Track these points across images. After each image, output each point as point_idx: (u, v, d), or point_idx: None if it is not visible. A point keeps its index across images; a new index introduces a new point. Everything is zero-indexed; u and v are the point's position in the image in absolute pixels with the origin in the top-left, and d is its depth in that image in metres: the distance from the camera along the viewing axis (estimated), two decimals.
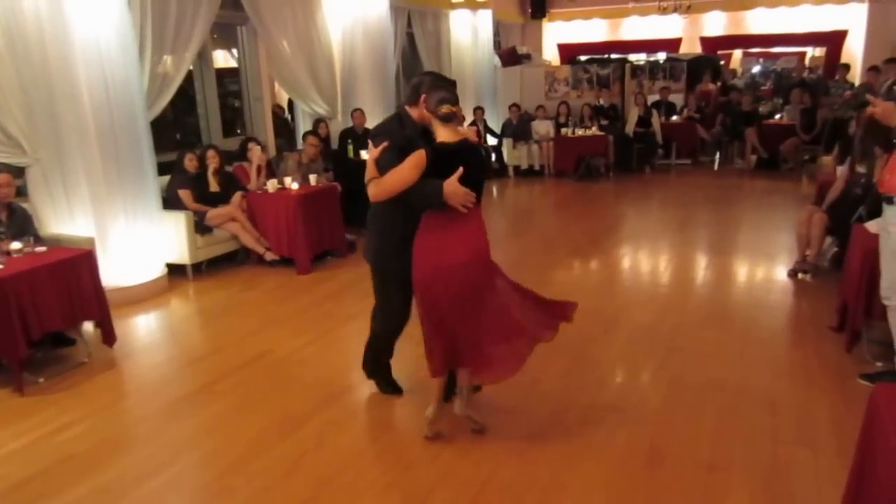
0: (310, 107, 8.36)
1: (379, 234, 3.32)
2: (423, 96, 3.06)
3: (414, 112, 3.16)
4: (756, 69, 16.22)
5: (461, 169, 2.89)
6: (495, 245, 6.50)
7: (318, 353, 4.44)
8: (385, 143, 3.03)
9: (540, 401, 3.68)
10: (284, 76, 8.07)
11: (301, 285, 5.83)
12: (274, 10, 7.60)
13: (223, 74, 8.49)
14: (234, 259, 6.44)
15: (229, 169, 6.62)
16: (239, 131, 8.24)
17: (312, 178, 6.43)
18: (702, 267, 6.21)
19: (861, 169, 5.28)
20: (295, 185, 6.28)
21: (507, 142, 11.33)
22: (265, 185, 6.31)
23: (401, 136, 3.09)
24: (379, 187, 2.99)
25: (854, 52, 12.61)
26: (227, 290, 5.78)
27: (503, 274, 3.28)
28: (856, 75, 11.85)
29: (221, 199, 6.31)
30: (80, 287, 4.21)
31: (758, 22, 13.76)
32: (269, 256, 6.20)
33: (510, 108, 11.37)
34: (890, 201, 3.40)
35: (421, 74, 3.34)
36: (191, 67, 6.98)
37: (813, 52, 14.92)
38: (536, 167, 11.24)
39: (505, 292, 3.21)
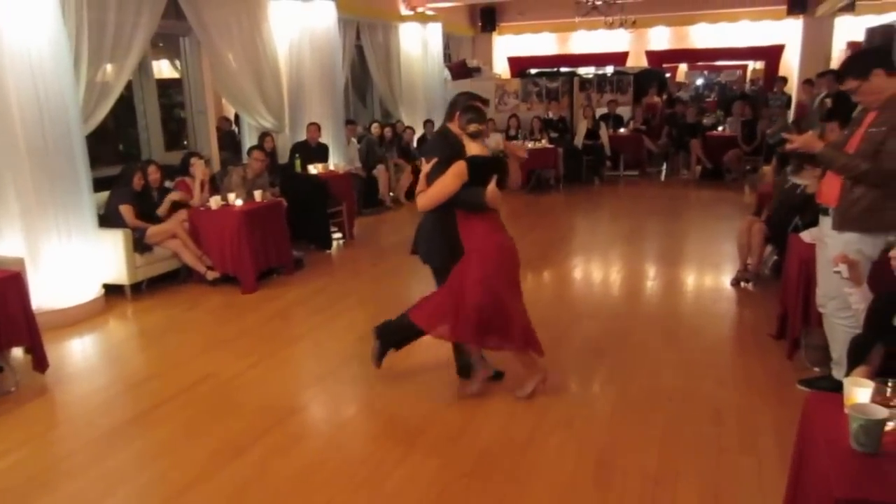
0: (256, 120, 8.21)
1: (446, 238, 3.66)
2: (457, 113, 3.56)
3: (454, 127, 3.63)
4: (700, 82, 16.66)
5: (495, 177, 3.38)
6: None
7: (263, 375, 4.31)
8: (434, 160, 3.50)
9: (489, 416, 3.63)
10: (229, 88, 7.91)
11: (245, 305, 5.68)
12: (218, 20, 7.46)
13: (167, 85, 8.30)
14: (176, 278, 6.23)
15: (170, 185, 6.43)
16: (186, 143, 8.06)
17: (257, 194, 6.30)
18: (650, 277, 6.28)
19: (797, 181, 5.41)
20: (239, 201, 6.13)
21: None
22: (208, 200, 6.15)
23: (448, 150, 3.50)
24: (426, 197, 3.51)
25: (791, 65, 13.06)
26: (168, 311, 5.60)
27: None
28: (793, 87, 12.26)
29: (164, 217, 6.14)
30: (6, 311, 3.99)
31: (700, 37, 14.14)
32: (212, 275, 6.03)
33: None
34: (825, 212, 3.47)
35: (457, 94, 3.83)
36: (131, 79, 6.79)
37: (754, 66, 15.38)
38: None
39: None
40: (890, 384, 1.86)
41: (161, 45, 8.08)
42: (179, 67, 8.11)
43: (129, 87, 7.03)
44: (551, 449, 3.29)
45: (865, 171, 3.19)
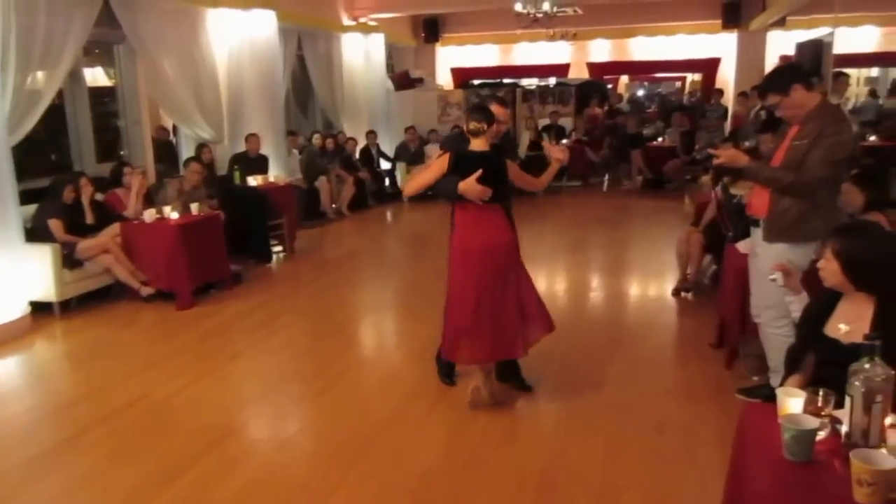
0: (194, 131, 8.00)
1: None
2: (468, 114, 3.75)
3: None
4: (641, 93, 17.04)
5: (480, 171, 3.48)
6: (389, 275, 6.44)
7: (199, 395, 4.15)
8: (440, 153, 3.72)
9: (431, 435, 3.58)
10: (165, 98, 7.70)
11: (181, 321, 5.48)
12: (154, 29, 7.25)
13: (101, 94, 8.03)
14: (108, 294, 5.98)
15: (100, 197, 6.19)
16: (123, 153, 7.79)
17: (194, 207, 6.11)
18: (593, 288, 6.34)
19: (733, 191, 5.53)
20: (175, 214, 5.94)
21: (400, 166, 11.28)
22: (142, 214, 5.94)
23: (455, 146, 3.72)
24: (408, 183, 3.78)
25: (727, 77, 13.45)
26: (99, 329, 5.37)
27: (520, 273, 3.77)
28: (729, 99, 12.63)
29: (97, 230, 5.90)
30: None
31: (639, 49, 14.45)
32: (146, 291, 5.82)
33: (406, 130, 11.34)
34: (756, 224, 3.54)
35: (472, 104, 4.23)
36: (62, 87, 6.54)
37: (692, 78, 15.82)
38: (430, 192, 11.20)
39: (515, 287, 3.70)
40: (821, 393, 1.88)
41: (97, 51, 7.82)
42: (114, 76, 7.85)
43: (60, 95, 6.78)
44: (494, 467, 3.25)
45: (790, 183, 3.27)
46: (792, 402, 1.89)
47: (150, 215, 5.88)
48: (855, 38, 12.37)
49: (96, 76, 8.23)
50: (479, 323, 3.63)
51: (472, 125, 3.59)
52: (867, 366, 1.64)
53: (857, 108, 12.57)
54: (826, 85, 7.04)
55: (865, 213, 3.73)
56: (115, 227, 5.97)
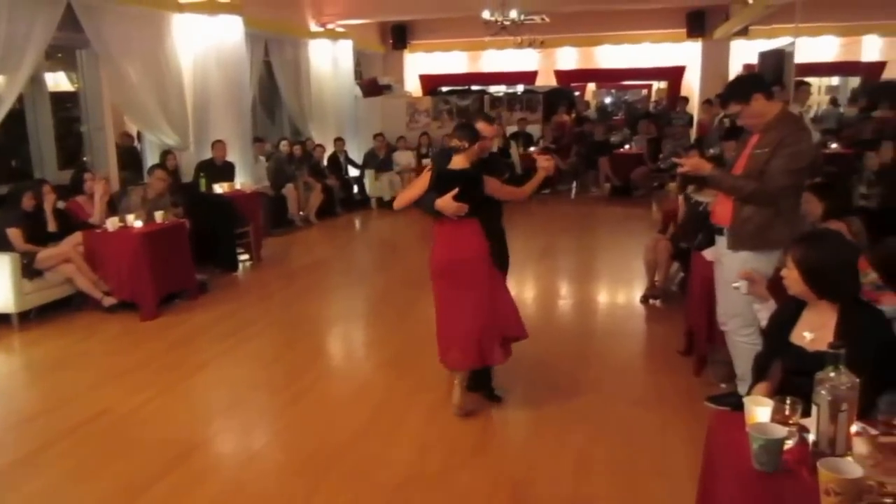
0: (158, 137, 7.87)
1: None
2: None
3: None
4: (608, 100, 17.22)
5: (456, 189, 3.60)
6: (358, 283, 6.38)
7: (164, 408, 4.05)
8: (430, 166, 3.84)
9: (402, 447, 3.54)
10: (129, 104, 7.57)
11: (145, 332, 5.37)
12: (118, 33, 7.12)
13: (63, 99, 7.86)
14: (69, 305, 5.83)
15: (62, 205, 6.05)
16: (86, 159, 7.62)
17: (158, 215, 5.99)
18: (563, 296, 6.36)
19: (699, 198, 5.60)
20: (138, 223, 5.82)
21: (369, 173, 11.23)
22: (105, 222, 5.82)
23: (441, 162, 3.78)
24: (398, 198, 3.92)
25: (692, 85, 13.66)
26: (60, 341, 5.22)
27: (494, 284, 3.84)
28: (694, 107, 12.81)
29: (59, 238, 5.76)
30: None
31: (606, 57, 14.60)
32: (108, 301, 5.68)
33: (375, 137, 11.30)
34: (720, 232, 3.58)
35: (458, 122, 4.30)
36: (23, 92, 6.39)
37: (658, 85, 16.03)
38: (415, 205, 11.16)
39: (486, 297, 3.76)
40: (788, 402, 1.89)
41: (59, 55, 7.65)
42: (76, 80, 7.69)
43: (20, 100, 6.62)
44: (465, 480, 3.22)
45: (752, 192, 3.31)
46: (759, 410, 1.90)
47: (113, 224, 5.76)
48: (815, 47, 12.67)
49: (58, 81, 8.06)
50: (456, 331, 3.74)
51: (453, 143, 3.69)
52: (832, 374, 1.66)
53: (819, 116, 12.87)
54: (788, 94, 7.17)
55: (825, 221, 3.78)
56: (76, 236, 5.83)
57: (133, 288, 5.63)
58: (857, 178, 6.56)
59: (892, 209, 5.60)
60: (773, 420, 1.89)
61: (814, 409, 1.70)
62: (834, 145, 10.32)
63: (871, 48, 13.72)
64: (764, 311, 2.83)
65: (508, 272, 4.15)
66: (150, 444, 3.60)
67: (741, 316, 3.43)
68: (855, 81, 14.62)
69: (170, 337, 5.25)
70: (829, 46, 13.46)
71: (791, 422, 1.88)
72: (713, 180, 3.48)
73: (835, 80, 15.44)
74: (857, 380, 1.67)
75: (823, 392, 1.66)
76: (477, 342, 3.70)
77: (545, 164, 3.93)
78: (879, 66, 13.56)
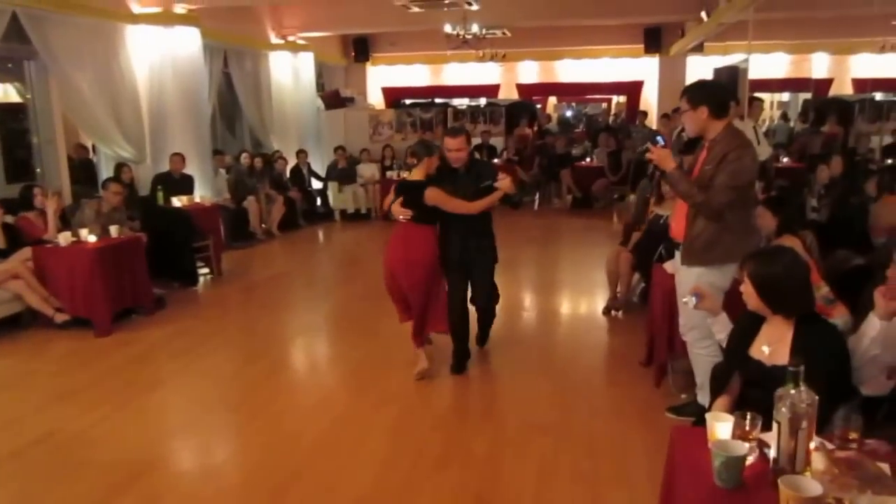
0: (114, 150, 7.70)
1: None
2: None
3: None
4: (569, 113, 17.43)
5: (400, 197, 4.27)
6: (319, 297, 6.30)
7: (116, 428, 3.92)
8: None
9: (364, 462, 3.48)
10: (82, 116, 7.40)
11: (99, 350, 5.20)
12: (68, 44, 6.97)
13: (12, 110, 7.64)
14: (18, 323, 5.63)
15: (10, 220, 5.85)
16: (39, 170, 7.39)
17: (113, 230, 5.83)
18: (525, 308, 6.36)
19: (659, 211, 5.68)
20: (92, 237, 5.66)
21: (332, 185, 11.15)
22: (57, 237, 5.64)
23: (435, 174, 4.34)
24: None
25: (650, 100, 13.92)
26: (7, 360, 5.03)
27: (432, 284, 4.41)
28: (653, 121, 13.04)
29: (6, 255, 5.59)
30: None
31: (566, 71, 14.79)
32: (60, 318, 5.50)
33: (336, 150, 11.23)
34: (678, 247, 3.61)
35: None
36: None
37: (618, 99, 16.29)
38: (363, 210, 11.15)
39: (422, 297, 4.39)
40: (748, 417, 1.90)
41: (10, 66, 7.44)
42: (24, 92, 7.48)
43: None
44: (429, 493, 3.18)
45: (699, 203, 3.35)
46: (721, 427, 1.90)
47: (65, 238, 5.59)
48: (767, 64, 13.02)
49: (7, 92, 7.84)
50: (406, 309, 4.48)
51: (408, 159, 4.25)
52: (792, 391, 1.67)
53: (771, 130, 13.22)
54: (742, 108, 7.33)
55: (779, 235, 3.83)
56: (25, 251, 5.66)
57: (87, 304, 5.47)
58: (807, 192, 6.73)
59: (840, 222, 5.74)
60: (733, 435, 1.89)
61: (774, 426, 1.70)
62: (785, 159, 10.60)
63: (819, 65, 14.17)
64: (717, 325, 2.87)
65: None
66: (100, 466, 3.48)
67: (698, 328, 3.47)
68: (804, 97, 15.06)
69: (124, 354, 5.10)
70: (780, 63, 13.86)
71: (751, 437, 1.89)
72: (672, 178, 3.47)
73: (785, 96, 15.90)
74: (817, 397, 1.68)
75: (784, 409, 1.67)
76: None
77: (502, 183, 4.19)
78: (827, 82, 14.02)
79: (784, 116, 15.04)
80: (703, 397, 3.67)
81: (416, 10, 9.79)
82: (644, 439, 3.65)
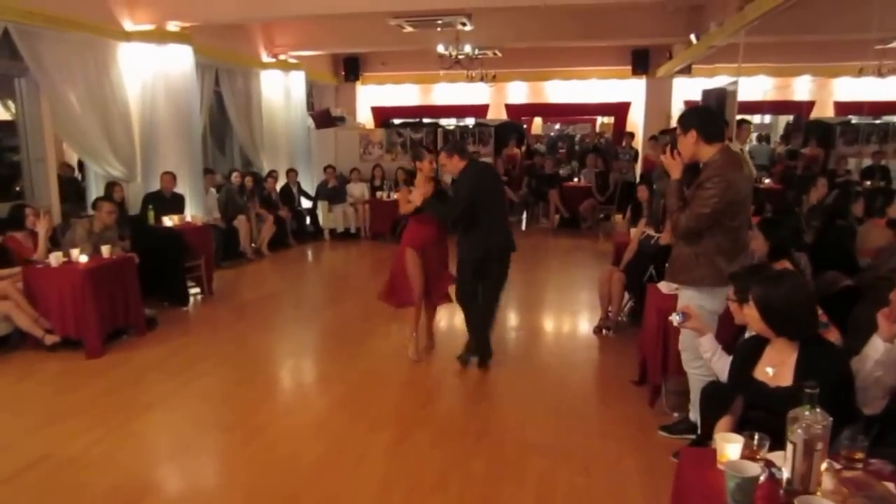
0: (104, 168, 7.66)
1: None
2: None
3: None
4: (554, 134, 17.58)
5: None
6: (311, 317, 6.30)
7: (110, 452, 3.86)
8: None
9: (361, 485, 3.46)
10: (72, 134, 7.36)
11: (90, 371, 5.13)
12: (60, 61, 6.94)
13: None
14: (7, 344, 5.53)
15: None
16: (19, 189, 7.32)
17: (105, 249, 5.78)
18: (515, 327, 6.37)
19: (651, 231, 5.74)
20: (84, 257, 5.61)
21: (322, 204, 11.15)
22: (47, 256, 5.59)
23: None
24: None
25: (637, 121, 14.07)
26: None
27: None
28: (639, 142, 13.19)
29: None
30: None
31: (555, 92, 14.93)
32: (50, 339, 5.42)
33: (325, 169, 11.25)
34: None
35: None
36: None
37: (602, 120, 16.45)
38: (353, 230, 11.15)
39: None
40: (756, 438, 1.92)
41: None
42: (13, 109, 7.43)
43: None
44: None
45: (674, 221, 3.44)
46: (731, 447, 1.92)
47: (56, 258, 5.52)
48: (750, 86, 13.22)
49: None
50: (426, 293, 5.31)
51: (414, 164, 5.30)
52: (807, 413, 1.69)
53: (752, 153, 13.40)
54: (730, 131, 7.44)
55: (773, 260, 3.78)
56: (14, 271, 5.60)
57: (77, 325, 5.39)
58: (797, 213, 6.83)
59: (827, 244, 5.81)
60: (741, 456, 1.91)
61: (789, 447, 1.72)
62: (767, 181, 10.77)
63: (801, 88, 14.44)
64: (704, 345, 2.90)
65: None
66: (95, 492, 3.43)
67: (690, 350, 3.51)
68: (784, 119, 15.31)
69: (116, 375, 5.05)
70: (763, 86, 14.09)
71: (759, 457, 1.91)
72: (669, 187, 3.53)
73: (767, 119, 16.14)
74: (831, 419, 1.71)
75: (799, 431, 1.69)
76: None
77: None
78: (810, 105, 14.28)
79: (759, 139, 15.23)
80: (694, 414, 3.71)
81: (409, 29, 9.86)
82: (639, 459, 3.67)
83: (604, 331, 5.89)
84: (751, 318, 2.39)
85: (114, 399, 4.63)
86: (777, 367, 2.32)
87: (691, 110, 3.79)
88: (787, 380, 2.29)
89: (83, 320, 5.38)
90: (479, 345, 5.12)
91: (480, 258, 4.97)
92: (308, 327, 6.53)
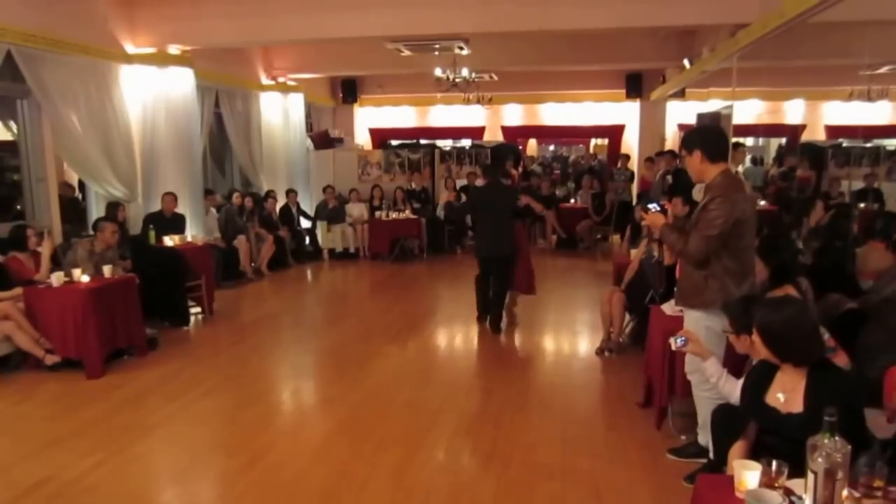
0: (105, 189, 7.66)
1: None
2: None
3: None
4: (549, 155, 17.69)
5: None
6: (312, 337, 6.26)
7: (113, 475, 3.83)
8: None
9: None
10: (73, 155, 7.37)
11: (91, 392, 5.11)
12: (62, 83, 6.98)
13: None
14: (7, 364, 5.51)
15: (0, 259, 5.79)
16: (20, 207, 7.30)
17: (107, 269, 5.78)
18: (519, 349, 6.38)
19: (653, 250, 5.76)
20: (85, 277, 5.60)
21: (321, 224, 11.17)
22: (49, 277, 5.58)
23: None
24: None
25: (631, 143, 14.20)
26: None
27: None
28: (634, 163, 13.29)
29: None
30: None
31: (549, 115, 15.07)
32: (51, 360, 5.40)
33: (325, 189, 11.29)
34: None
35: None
36: None
37: (596, 141, 16.57)
38: (352, 250, 11.17)
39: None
40: (774, 465, 1.93)
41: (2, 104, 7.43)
42: (15, 130, 7.45)
43: None
44: None
45: (680, 251, 3.45)
46: (750, 475, 1.93)
47: (58, 279, 5.52)
48: (742, 109, 13.38)
49: None
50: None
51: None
52: (827, 441, 1.71)
53: (746, 174, 13.51)
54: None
55: (773, 286, 3.73)
56: (16, 292, 5.59)
57: (78, 345, 5.38)
58: (796, 235, 6.88)
59: (826, 266, 5.85)
60: (760, 483, 1.92)
61: (810, 476, 1.74)
62: (762, 202, 10.85)
63: (792, 112, 14.63)
64: (709, 369, 2.92)
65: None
66: None
67: (698, 372, 3.51)
68: (776, 142, 15.46)
69: (117, 397, 5.02)
70: (755, 109, 14.26)
71: (777, 485, 1.92)
72: (662, 235, 3.58)
73: (760, 141, 16.29)
74: (850, 447, 1.72)
75: (820, 460, 1.70)
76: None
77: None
78: (801, 128, 14.46)
79: (757, 160, 15.36)
80: (703, 437, 3.70)
81: (407, 53, 9.95)
82: (650, 483, 3.66)
83: (606, 352, 5.89)
84: (756, 344, 2.41)
85: (115, 421, 4.60)
86: (788, 392, 2.34)
87: (694, 130, 3.82)
88: (797, 406, 2.30)
89: (84, 340, 5.37)
90: (493, 315, 6.78)
91: (480, 259, 6.77)
92: (309, 348, 6.52)
